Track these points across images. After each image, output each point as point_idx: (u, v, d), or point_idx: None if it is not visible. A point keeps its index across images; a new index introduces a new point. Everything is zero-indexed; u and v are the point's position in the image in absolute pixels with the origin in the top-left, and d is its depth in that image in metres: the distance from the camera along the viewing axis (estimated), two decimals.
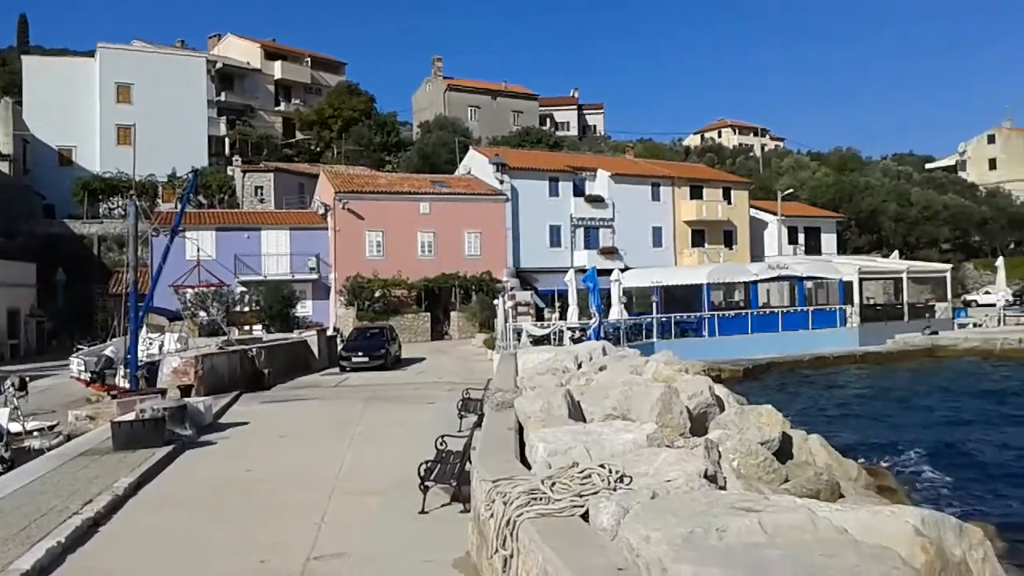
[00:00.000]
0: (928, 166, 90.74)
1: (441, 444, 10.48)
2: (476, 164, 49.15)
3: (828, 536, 5.18)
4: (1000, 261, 48.66)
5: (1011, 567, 9.94)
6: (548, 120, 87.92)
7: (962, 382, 28.85)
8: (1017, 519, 12.27)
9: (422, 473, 9.38)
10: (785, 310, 36.94)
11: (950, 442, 18.35)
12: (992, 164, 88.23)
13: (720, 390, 13.07)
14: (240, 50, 69.42)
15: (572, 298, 30.16)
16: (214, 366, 20.53)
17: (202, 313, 33.98)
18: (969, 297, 54.59)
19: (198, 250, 36.22)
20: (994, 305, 46.76)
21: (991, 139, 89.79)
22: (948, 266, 46.44)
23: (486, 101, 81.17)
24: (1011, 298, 49.83)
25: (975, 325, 42.12)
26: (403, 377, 24.81)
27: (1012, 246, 68.02)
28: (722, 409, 11.99)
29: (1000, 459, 16.50)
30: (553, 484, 6.21)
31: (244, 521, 9.33)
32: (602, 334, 26.44)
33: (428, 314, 40.60)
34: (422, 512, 9.17)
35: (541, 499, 5.98)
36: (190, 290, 34.50)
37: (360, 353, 27.13)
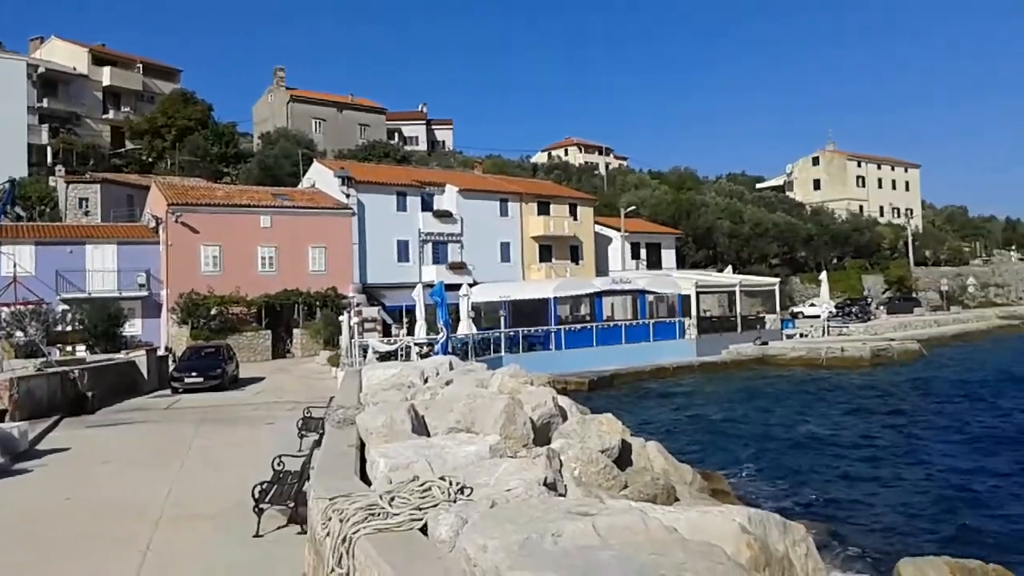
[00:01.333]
0: (759, 186, 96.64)
1: (278, 464, 10.18)
2: (321, 177, 48.24)
3: (659, 536, 5.38)
4: (824, 275, 52.48)
5: (831, 560, 10.67)
6: (396, 134, 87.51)
7: (791, 390, 30.82)
8: (838, 517, 13.20)
9: (256, 495, 9.07)
10: (628, 323, 38.29)
11: (779, 447, 19.54)
12: (816, 184, 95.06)
13: (564, 401, 13.36)
14: (65, 54, 65.13)
15: (420, 313, 30.07)
16: (31, 389, 19.11)
17: (19, 333, 31.53)
18: (796, 309, 58.40)
19: (15, 266, 33.76)
20: (819, 316, 50.28)
21: (815, 161, 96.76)
22: (777, 280, 49.53)
23: (331, 113, 79.89)
24: (834, 310, 53.72)
25: (802, 335, 45.16)
26: (240, 397, 23.91)
27: (835, 261, 73.35)
28: (565, 419, 12.25)
29: (823, 463, 17.69)
30: (392, 499, 6.15)
31: (63, 553, 8.70)
32: (450, 349, 26.47)
33: (269, 332, 39.38)
34: (257, 536, 8.86)
35: (379, 514, 5.89)
36: (5, 308, 32.02)
37: (194, 373, 25.91)
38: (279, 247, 41.76)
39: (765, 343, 40.78)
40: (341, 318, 32.37)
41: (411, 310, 33.03)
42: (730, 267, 55.55)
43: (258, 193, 45.29)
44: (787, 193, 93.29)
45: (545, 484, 7.07)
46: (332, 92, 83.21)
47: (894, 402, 26.95)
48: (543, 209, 52.80)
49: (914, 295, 68.54)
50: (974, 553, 10.25)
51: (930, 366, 37.39)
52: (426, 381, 16.00)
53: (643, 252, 58.22)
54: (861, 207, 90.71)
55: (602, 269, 53.83)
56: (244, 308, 39.73)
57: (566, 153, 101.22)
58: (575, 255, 54.06)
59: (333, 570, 5.87)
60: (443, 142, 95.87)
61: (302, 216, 43.11)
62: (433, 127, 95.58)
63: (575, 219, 54.30)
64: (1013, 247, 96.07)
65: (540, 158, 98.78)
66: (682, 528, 6.43)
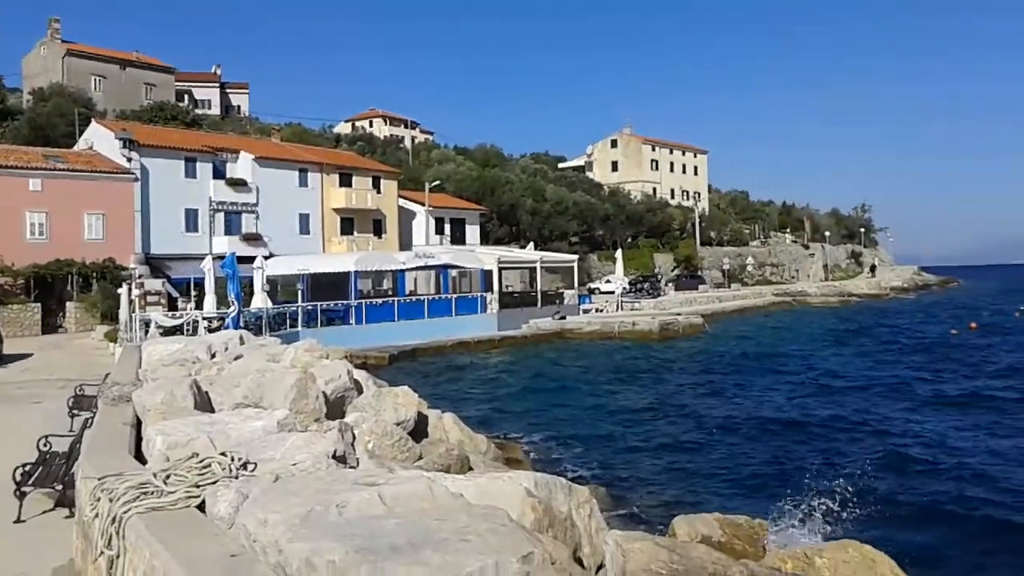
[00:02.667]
0: (561, 165, 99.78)
1: (45, 445, 9.46)
2: (100, 139, 44.73)
3: (445, 503, 5.48)
4: (619, 253, 55.01)
5: (614, 519, 11.28)
6: (186, 96, 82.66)
7: (587, 362, 32.23)
8: (623, 480, 13.99)
9: (18, 477, 8.39)
10: (431, 298, 38.48)
11: (573, 415, 20.40)
12: (614, 166, 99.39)
13: (360, 374, 13.25)
14: None
15: (209, 286, 28.69)
16: None
17: None
18: (593, 285, 60.99)
19: None
20: (613, 292, 52.79)
21: (614, 143, 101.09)
22: (575, 257, 51.46)
23: (113, 71, 74.25)
24: (627, 286, 56.55)
25: (598, 310, 47.24)
26: (4, 375, 21.91)
27: (629, 240, 77.13)
28: (361, 393, 12.18)
29: (612, 429, 18.66)
30: (167, 476, 5.88)
31: None
32: (241, 323, 25.51)
33: (39, 305, 36.18)
34: (18, 521, 8.21)
35: (153, 493, 5.62)
36: None
37: None
38: (50, 213, 38.45)
39: (563, 317, 42.32)
40: (120, 291, 30.34)
41: (200, 283, 31.48)
42: (532, 244, 57.09)
43: (27, 154, 41.35)
44: (587, 173, 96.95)
45: (335, 457, 7.00)
46: (115, 48, 77.34)
47: (680, 372, 28.85)
48: (345, 181, 51.84)
49: (699, 273, 73.45)
50: (743, 509, 11.21)
51: (714, 339, 40.29)
52: (213, 356, 15.37)
53: (447, 227, 58.60)
54: (654, 189, 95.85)
55: (406, 243, 53.68)
56: (9, 279, 36.34)
57: (370, 125, 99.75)
58: (378, 229, 53.55)
59: (102, 552, 5.54)
60: (238, 107, 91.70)
61: (78, 180, 39.87)
62: (228, 91, 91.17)
63: (378, 192, 53.73)
64: (788, 230, 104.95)
65: (343, 129, 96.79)
66: (470, 494, 6.58)
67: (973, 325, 46.29)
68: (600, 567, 7.19)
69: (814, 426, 18.70)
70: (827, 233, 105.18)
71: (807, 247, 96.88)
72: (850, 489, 13.41)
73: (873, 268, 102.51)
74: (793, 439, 17.27)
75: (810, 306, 66.89)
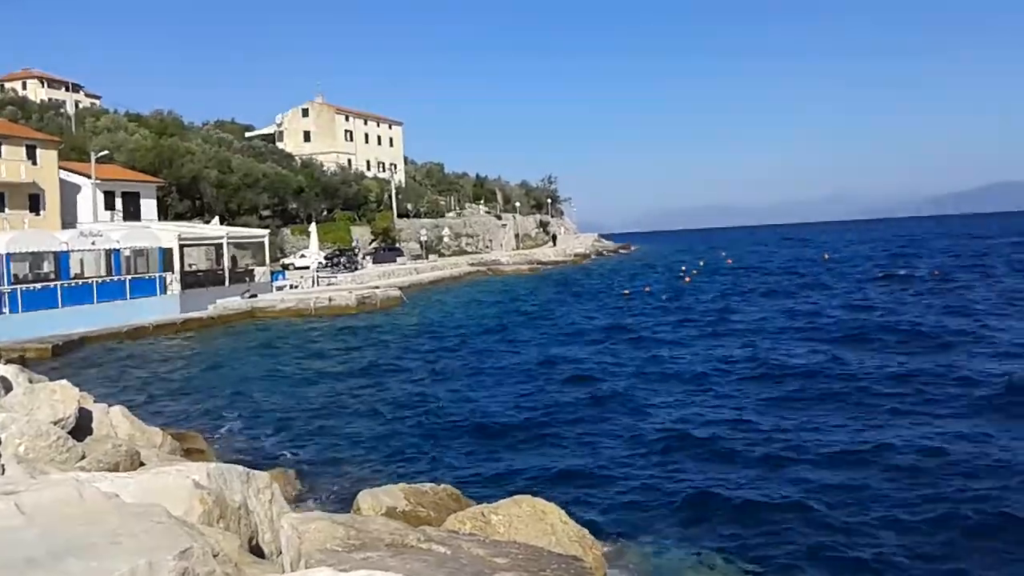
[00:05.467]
0: (248, 135, 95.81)
1: None
2: None
3: (96, 506, 5.16)
4: (313, 227, 54.27)
5: (305, 501, 11.26)
6: None
7: (280, 340, 31.54)
8: (308, 460, 13.96)
9: None
10: (100, 280, 35.44)
11: (265, 398, 19.92)
12: (307, 136, 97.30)
13: (8, 370, 11.99)
14: None
15: None
16: None
17: None
18: (287, 261, 59.64)
19: None
20: (309, 268, 52.02)
21: (305, 112, 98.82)
22: (266, 231, 49.88)
23: None
24: (323, 260, 56.01)
25: (292, 287, 46.31)
26: None
27: (324, 213, 76.16)
28: (9, 391, 11.03)
29: (305, 410, 18.50)
30: None
31: None
32: None
33: None
34: None
35: None
36: None
37: None
38: None
39: (254, 296, 41.01)
40: None
41: None
42: (217, 218, 54.48)
43: None
44: (278, 144, 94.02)
45: None
46: None
47: (380, 346, 29.17)
48: None
49: (397, 245, 74.44)
50: (444, 477, 11.70)
51: (413, 311, 41.15)
52: None
53: (119, 202, 54.03)
54: (349, 160, 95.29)
55: (70, 220, 48.78)
56: None
57: (24, 87, 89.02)
58: (35, 205, 48.11)
59: None
60: None
61: None
62: None
63: (34, 163, 48.18)
64: (482, 201, 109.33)
65: None
66: (131, 493, 6.26)
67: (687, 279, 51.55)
68: (281, 552, 7.16)
69: (516, 394, 19.80)
70: (517, 204, 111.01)
71: (500, 218, 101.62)
72: (544, 446, 14.48)
73: (554, 237, 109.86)
74: (492, 406, 18.18)
75: (504, 274, 70.48)
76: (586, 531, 8.88)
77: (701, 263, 75.99)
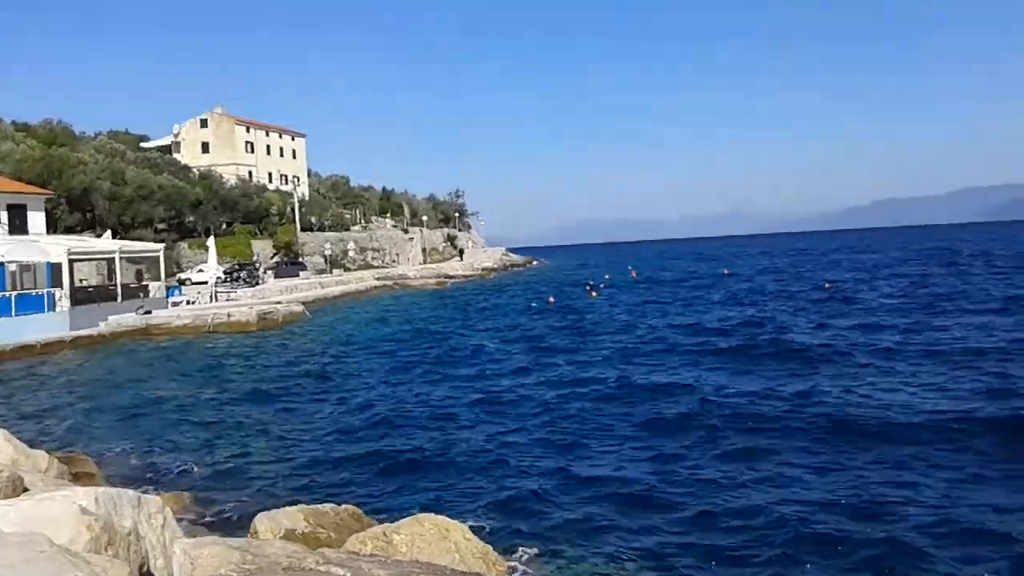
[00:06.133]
0: (144, 145, 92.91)
1: None
2: None
3: None
4: (211, 241, 52.83)
5: (202, 525, 10.99)
6: None
7: (176, 359, 30.63)
8: (209, 482, 13.63)
9: None
10: None
11: (162, 420, 19.33)
12: (205, 147, 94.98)
13: None
14: None
15: None
16: None
17: None
18: (184, 276, 57.98)
19: None
20: (207, 283, 50.69)
21: (204, 123, 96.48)
22: (162, 246, 48.41)
23: None
24: (222, 275, 54.67)
25: (189, 303, 45.01)
26: None
27: (224, 226, 74.38)
28: None
29: (208, 430, 18.03)
30: None
31: None
32: None
33: None
34: None
35: None
36: None
37: None
38: None
39: (149, 312, 39.74)
40: None
41: None
42: (110, 232, 52.59)
43: None
44: (175, 155, 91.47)
45: None
46: None
47: (280, 362, 28.63)
48: None
49: (300, 259, 73.26)
50: (330, 498, 11.55)
51: (316, 326, 40.52)
52: None
53: (4, 215, 51.47)
54: (250, 173, 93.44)
55: None
56: None
57: None
58: None
59: None
60: None
61: None
62: None
63: None
64: (388, 214, 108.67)
65: None
66: (11, 521, 6.04)
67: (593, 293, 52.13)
68: None
69: (421, 411, 19.71)
70: (425, 218, 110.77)
71: (407, 231, 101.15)
72: (464, 465, 14.49)
73: (461, 252, 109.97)
74: (397, 424, 18.05)
75: (411, 289, 70.13)
76: (490, 548, 8.93)
77: (607, 277, 77.23)
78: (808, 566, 9.51)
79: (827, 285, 52.33)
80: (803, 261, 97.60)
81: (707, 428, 16.03)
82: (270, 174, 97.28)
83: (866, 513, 10.89)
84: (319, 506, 10.01)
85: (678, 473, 13.18)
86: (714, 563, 9.71)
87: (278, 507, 10.36)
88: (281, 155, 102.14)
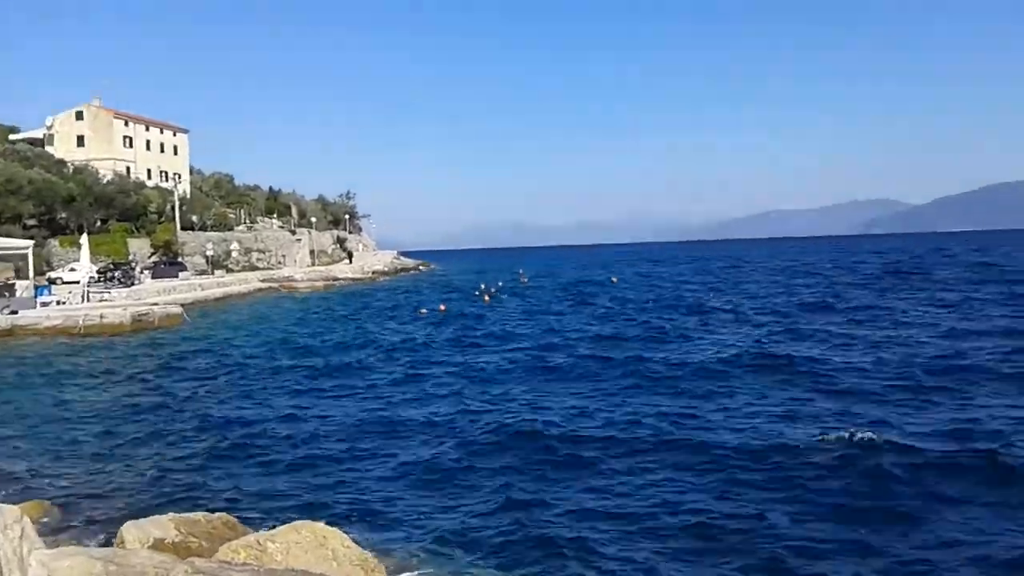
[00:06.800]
0: (13, 137, 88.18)
1: None
2: None
3: None
4: (85, 238, 50.71)
5: (65, 535, 10.57)
6: None
7: (44, 362, 29.21)
8: (74, 490, 13.09)
9: None
10: None
11: (28, 426, 18.44)
12: (80, 141, 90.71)
13: None
14: None
15: None
16: None
17: None
18: (54, 275, 55.31)
19: None
20: (79, 282, 48.51)
21: (79, 115, 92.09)
22: (31, 243, 46.13)
23: None
24: (95, 275, 52.44)
25: (59, 303, 42.97)
26: None
27: (98, 223, 71.27)
28: None
29: (76, 437, 17.28)
30: None
31: None
32: None
33: None
34: None
35: None
36: None
37: None
38: None
39: (15, 312, 37.80)
40: None
41: None
42: None
43: None
44: (47, 148, 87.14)
45: None
46: None
47: (156, 368, 27.67)
48: None
49: (180, 260, 70.89)
50: (204, 506, 11.28)
51: (195, 330, 39.28)
52: None
53: None
54: (128, 168, 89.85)
55: None
56: None
57: None
58: None
59: None
60: None
61: None
62: None
63: None
64: (275, 215, 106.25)
65: None
66: None
67: (442, 307, 52.02)
68: None
69: (299, 416, 19.39)
70: (314, 219, 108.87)
71: (294, 233, 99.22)
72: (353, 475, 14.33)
73: (350, 254, 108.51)
74: (276, 429, 17.72)
75: (298, 291, 68.80)
76: (369, 554, 8.93)
77: (500, 283, 77.66)
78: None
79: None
80: (690, 270, 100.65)
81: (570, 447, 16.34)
82: (149, 170, 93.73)
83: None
84: (191, 514, 9.78)
85: (555, 482, 13.43)
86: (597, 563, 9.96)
87: (149, 516, 10.08)
88: (162, 151, 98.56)
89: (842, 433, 15.18)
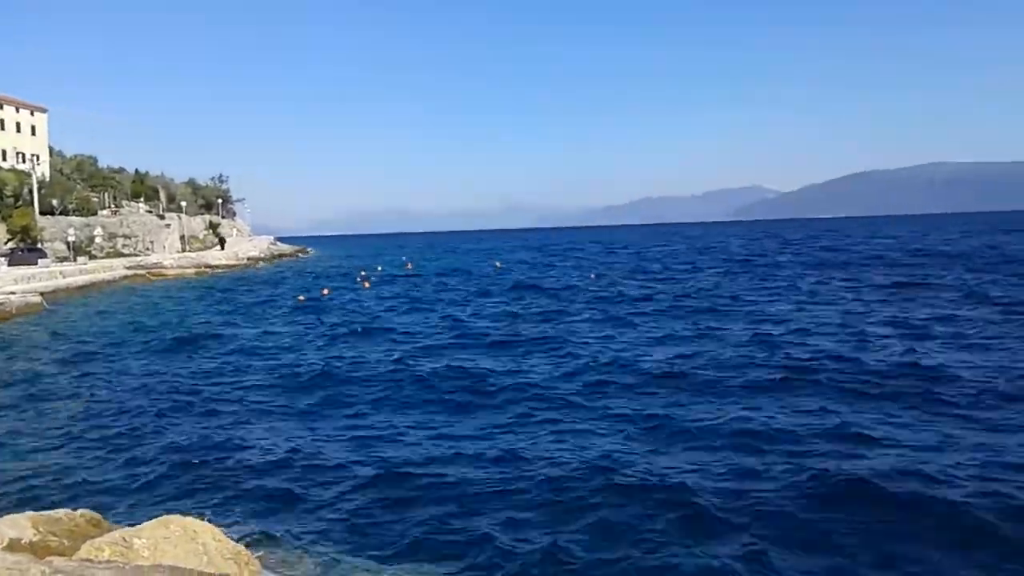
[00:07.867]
0: None
1: None
2: None
3: None
4: None
5: None
6: None
7: None
8: None
9: None
10: None
11: None
12: None
13: None
14: None
15: None
16: None
17: None
18: None
19: None
20: None
21: None
22: None
23: None
24: None
25: None
26: None
27: None
28: None
29: None
30: None
31: None
32: None
33: None
34: None
35: None
36: None
37: None
38: None
39: None
40: None
41: None
42: None
43: None
44: None
45: None
46: None
47: (7, 361, 26.26)
48: None
49: (40, 246, 67.30)
50: (66, 502, 10.84)
51: (56, 319, 37.42)
52: None
53: None
54: None
55: None
56: None
57: None
58: None
59: None
60: None
61: None
62: None
63: None
64: (142, 199, 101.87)
65: None
66: None
67: (325, 291, 51.23)
68: None
69: (167, 406, 18.78)
70: (184, 203, 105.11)
71: (163, 218, 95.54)
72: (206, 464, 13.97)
73: (222, 240, 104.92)
74: (142, 420, 17.12)
75: (167, 278, 66.41)
76: (242, 548, 8.75)
77: (379, 268, 76.98)
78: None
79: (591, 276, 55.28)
80: (571, 256, 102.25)
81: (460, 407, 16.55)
82: (4, 151, 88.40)
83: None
84: (51, 512, 9.35)
85: (448, 459, 13.50)
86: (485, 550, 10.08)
87: (4, 515, 9.60)
88: (18, 130, 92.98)
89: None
